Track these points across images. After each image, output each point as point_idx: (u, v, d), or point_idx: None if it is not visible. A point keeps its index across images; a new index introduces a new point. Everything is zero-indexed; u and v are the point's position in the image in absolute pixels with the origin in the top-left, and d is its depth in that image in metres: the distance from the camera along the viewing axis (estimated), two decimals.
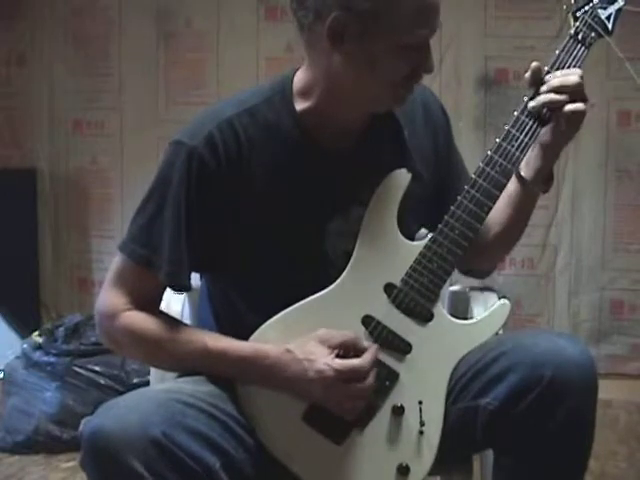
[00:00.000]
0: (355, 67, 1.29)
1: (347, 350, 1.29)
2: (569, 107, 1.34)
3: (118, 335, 1.35)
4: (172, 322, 1.36)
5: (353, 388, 1.27)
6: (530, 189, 1.44)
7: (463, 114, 3.38)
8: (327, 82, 1.33)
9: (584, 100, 1.35)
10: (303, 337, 1.30)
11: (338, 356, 1.29)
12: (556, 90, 1.34)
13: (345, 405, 1.29)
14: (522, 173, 1.42)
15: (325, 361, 1.27)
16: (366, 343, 1.31)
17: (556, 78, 1.35)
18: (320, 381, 1.26)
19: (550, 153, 1.40)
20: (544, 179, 1.43)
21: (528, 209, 1.48)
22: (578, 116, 1.35)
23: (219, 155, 1.33)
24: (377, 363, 1.31)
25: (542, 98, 1.35)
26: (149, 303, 1.36)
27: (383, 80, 1.30)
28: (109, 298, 1.36)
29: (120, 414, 1.16)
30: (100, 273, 3.76)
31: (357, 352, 1.29)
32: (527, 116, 1.37)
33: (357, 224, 1.37)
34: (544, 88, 1.35)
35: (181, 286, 1.36)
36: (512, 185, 1.43)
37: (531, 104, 1.36)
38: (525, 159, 1.40)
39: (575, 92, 1.34)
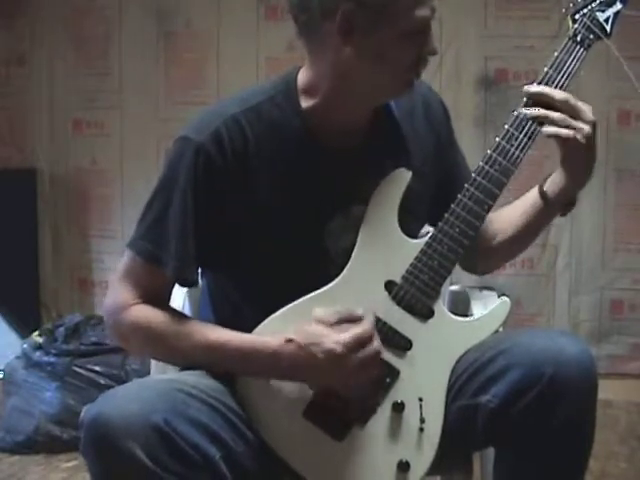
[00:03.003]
0: (365, 59, 1.30)
1: (345, 322, 1.29)
2: (549, 130, 1.34)
3: (125, 329, 1.36)
4: (177, 316, 1.36)
5: (363, 355, 1.26)
6: (549, 208, 1.45)
7: (463, 114, 3.38)
8: (335, 78, 1.34)
9: (583, 121, 1.34)
10: (299, 323, 1.29)
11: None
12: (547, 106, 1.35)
13: (361, 376, 1.28)
14: (545, 189, 1.43)
15: (332, 339, 1.26)
16: (359, 311, 1.30)
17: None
18: (331, 360, 1.25)
19: (572, 181, 1.41)
20: (564, 203, 1.44)
21: (541, 225, 1.49)
22: (570, 141, 1.34)
23: (226, 151, 1.33)
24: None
25: (532, 112, 1.36)
26: (157, 299, 1.36)
27: (393, 68, 1.32)
28: (117, 294, 1.37)
29: (121, 401, 1.17)
30: (100, 273, 3.76)
31: (354, 321, 1.28)
32: (526, 116, 1.37)
33: (358, 222, 1.38)
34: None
35: (188, 281, 1.37)
36: (532, 198, 1.45)
37: (523, 112, 1.36)
38: (552, 178, 1.43)
39: (567, 110, 1.34)
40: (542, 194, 1.44)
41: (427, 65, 1.35)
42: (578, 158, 1.38)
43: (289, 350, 1.28)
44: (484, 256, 1.53)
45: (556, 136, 1.35)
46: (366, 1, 1.26)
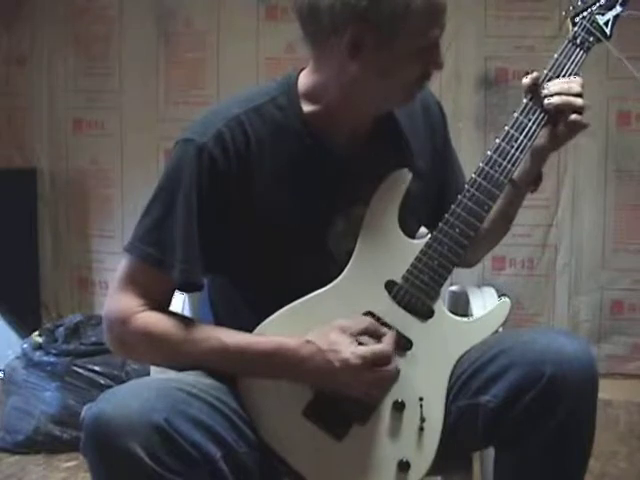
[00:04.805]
0: (372, 74, 1.31)
1: (368, 336, 1.30)
2: (572, 117, 1.36)
3: (132, 339, 1.33)
4: (187, 321, 1.35)
5: (379, 373, 1.28)
6: (519, 189, 1.46)
7: (463, 114, 3.38)
8: (340, 89, 1.34)
9: (582, 109, 1.37)
10: (315, 324, 1.30)
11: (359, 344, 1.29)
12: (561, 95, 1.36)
13: (372, 391, 1.30)
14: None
15: (350, 350, 1.27)
16: (384, 329, 1.32)
17: (558, 85, 1.37)
18: (346, 370, 1.27)
19: (540, 156, 1.43)
20: (533, 180, 1.45)
21: (515, 207, 1.50)
22: (580, 126, 1.37)
23: (229, 152, 1.33)
24: None
25: (554, 100, 1.36)
26: (161, 304, 1.34)
27: (399, 83, 1.33)
28: (119, 302, 1.33)
29: (122, 401, 1.16)
30: (100, 273, 3.76)
31: (377, 338, 1.30)
32: (526, 117, 1.38)
33: (360, 223, 1.38)
34: (547, 91, 1.36)
35: (194, 285, 1.35)
36: None
37: (547, 101, 1.36)
38: None
39: (577, 102, 1.36)
40: (510, 179, 1.44)
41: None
42: (570, 138, 1.40)
43: (308, 351, 1.28)
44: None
45: (579, 124, 1.36)
46: (377, 22, 1.26)
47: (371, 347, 1.28)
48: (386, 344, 1.30)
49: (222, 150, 1.32)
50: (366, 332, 1.30)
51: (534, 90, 1.38)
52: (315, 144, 1.37)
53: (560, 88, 1.37)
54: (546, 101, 1.37)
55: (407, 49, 1.28)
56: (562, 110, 1.37)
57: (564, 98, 1.36)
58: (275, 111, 1.37)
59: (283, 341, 1.30)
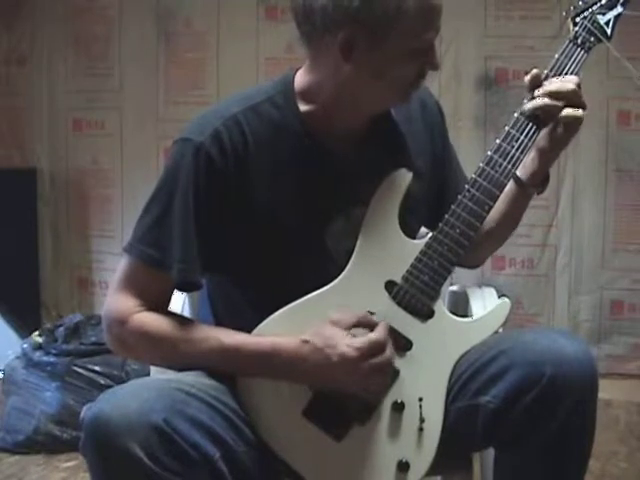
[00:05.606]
0: (365, 76, 1.31)
1: (361, 328, 1.30)
2: (564, 113, 1.35)
3: (131, 339, 1.33)
4: (185, 321, 1.35)
5: (376, 362, 1.28)
6: (525, 190, 1.46)
7: (463, 114, 3.39)
8: (334, 89, 1.34)
9: (581, 107, 1.36)
10: (315, 324, 1.30)
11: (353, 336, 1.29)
12: (551, 95, 1.35)
13: (371, 384, 1.30)
14: (518, 174, 1.44)
15: (345, 343, 1.27)
16: (376, 318, 1.32)
17: (553, 84, 1.37)
18: (344, 364, 1.27)
19: (546, 157, 1.42)
20: (540, 181, 1.45)
21: (521, 208, 1.50)
22: (573, 122, 1.36)
23: (226, 151, 1.33)
24: None
25: (536, 102, 1.36)
26: (159, 304, 1.35)
27: (393, 84, 1.33)
28: (118, 302, 1.34)
29: (121, 400, 1.17)
30: (100, 273, 3.76)
31: (370, 328, 1.31)
32: (526, 118, 1.37)
33: (359, 223, 1.38)
34: (539, 92, 1.36)
35: (192, 284, 1.35)
36: (508, 185, 1.44)
37: (526, 107, 1.37)
38: (522, 163, 1.42)
39: (571, 99, 1.35)
40: (517, 180, 1.45)
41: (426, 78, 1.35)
42: (570, 136, 1.39)
43: (305, 351, 1.28)
44: (473, 248, 1.52)
45: (572, 118, 1.35)
46: (369, 23, 1.26)
47: (365, 337, 1.28)
48: (379, 332, 1.30)
49: (219, 149, 1.32)
50: (358, 324, 1.31)
51: (536, 88, 1.38)
52: (312, 143, 1.37)
53: (552, 88, 1.36)
54: (526, 107, 1.36)
55: (400, 50, 1.28)
56: (547, 115, 1.36)
57: (545, 101, 1.35)
58: (272, 110, 1.37)
59: (281, 342, 1.30)
